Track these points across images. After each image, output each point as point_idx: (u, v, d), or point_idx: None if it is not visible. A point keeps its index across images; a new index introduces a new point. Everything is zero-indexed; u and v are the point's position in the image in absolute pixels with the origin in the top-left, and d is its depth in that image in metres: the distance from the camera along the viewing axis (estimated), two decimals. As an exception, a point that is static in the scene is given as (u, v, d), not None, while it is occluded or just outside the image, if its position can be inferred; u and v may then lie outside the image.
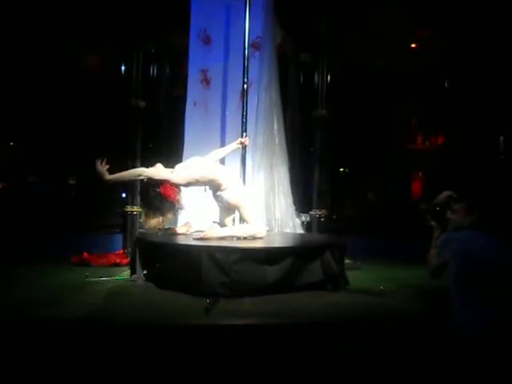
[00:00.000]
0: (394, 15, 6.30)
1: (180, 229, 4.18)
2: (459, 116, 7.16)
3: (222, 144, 5.00)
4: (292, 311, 2.94)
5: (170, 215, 3.91)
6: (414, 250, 5.34)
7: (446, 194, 2.67)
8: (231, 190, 3.92)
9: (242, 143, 4.41)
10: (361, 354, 2.55)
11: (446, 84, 7.69)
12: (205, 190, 4.01)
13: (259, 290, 3.24)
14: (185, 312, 2.86)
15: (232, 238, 3.86)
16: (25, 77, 6.10)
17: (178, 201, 3.83)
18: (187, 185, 3.83)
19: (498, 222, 2.45)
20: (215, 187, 3.93)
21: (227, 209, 4.08)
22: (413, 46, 7.29)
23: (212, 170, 3.91)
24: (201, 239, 3.75)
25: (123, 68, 5.82)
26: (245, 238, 3.85)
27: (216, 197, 4.00)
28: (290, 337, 2.58)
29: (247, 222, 4.00)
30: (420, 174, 8.69)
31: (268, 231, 5.01)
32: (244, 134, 4.50)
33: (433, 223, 2.74)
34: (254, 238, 3.88)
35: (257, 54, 5.22)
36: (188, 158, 5.19)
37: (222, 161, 5.02)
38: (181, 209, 3.92)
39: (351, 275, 3.87)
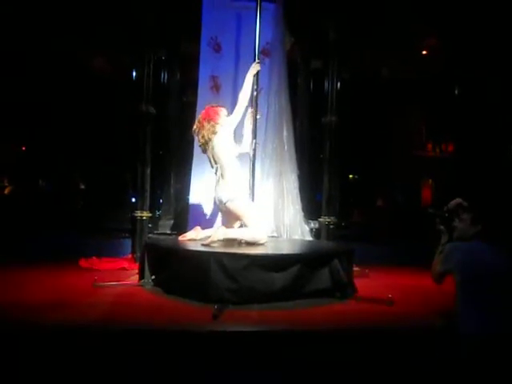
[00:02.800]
0: (403, 22, 6.30)
1: (189, 234, 4.20)
2: (469, 123, 7.12)
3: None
4: (300, 319, 2.94)
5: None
6: (423, 257, 5.34)
7: (456, 201, 2.69)
8: (235, 201, 3.95)
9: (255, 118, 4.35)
10: (369, 362, 2.54)
11: (456, 91, 7.66)
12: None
13: (267, 296, 3.24)
14: (192, 318, 2.87)
15: (236, 240, 3.92)
16: (37, 82, 6.18)
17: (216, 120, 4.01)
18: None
19: (502, 235, 2.53)
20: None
21: (230, 215, 4.12)
22: (423, 52, 7.27)
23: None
24: (208, 245, 3.76)
25: (134, 74, 5.87)
26: (247, 243, 3.89)
27: (219, 203, 4.04)
28: (297, 344, 2.57)
29: (247, 224, 4.02)
30: (430, 181, 8.64)
31: (276, 238, 5.04)
32: (254, 141, 4.49)
33: (441, 227, 2.75)
34: (256, 244, 3.90)
35: (266, 60, 5.24)
36: (198, 164, 5.25)
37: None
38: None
39: (359, 283, 3.85)
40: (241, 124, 4.33)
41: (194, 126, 4.13)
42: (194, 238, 4.13)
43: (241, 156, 4.31)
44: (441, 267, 2.54)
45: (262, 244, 3.95)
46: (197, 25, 5.40)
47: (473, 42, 6.49)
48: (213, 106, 4.18)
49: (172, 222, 5.61)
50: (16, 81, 6.10)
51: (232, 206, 3.98)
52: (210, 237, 3.86)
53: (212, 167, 4.09)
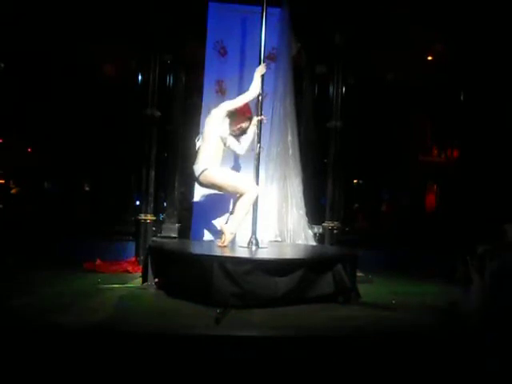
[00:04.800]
0: (409, 27, 6.29)
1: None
2: (475, 129, 7.10)
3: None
4: (303, 324, 2.93)
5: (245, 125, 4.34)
6: (427, 263, 5.32)
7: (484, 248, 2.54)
8: (207, 171, 4.03)
9: (259, 120, 4.38)
10: (372, 367, 2.53)
11: (462, 96, 7.64)
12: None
13: (270, 301, 3.23)
14: (195, 322, 2.86)
15: (243, 218, 4.06)
16: (43, 84, 6.21)
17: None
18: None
19: None
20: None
21: (212, 188, 4.26)
22: (429, 58, 7.27)
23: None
24: (225, 246, 3.93)
25: (140, 78, 5.90)
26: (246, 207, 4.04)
27: (196, 180, 4.20)
28: (300, 349, 2.56)
29: (240, 193, 4.09)
30: (435, 186, 8.60)
31: (280, 242, 5.03)
32: (258, 145, 4.49)
33: (475, 276, 2.54)
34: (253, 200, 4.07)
35: (272, 65, 5.26)
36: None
37: (237, 168, 5.06)
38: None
39: (363, 289, 3.84)
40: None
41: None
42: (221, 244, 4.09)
43: (232, 153, 4.55)
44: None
45: (256, 196, 4.09)
46: (202, 29, 5.43)
47: (479, 47, 6.47)
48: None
49: (176, 225, 5.61)
50: (22, 83, 6.14)
51: (205, 177, 4.03)
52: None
53: (197, 140, 4.29)
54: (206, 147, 4.10)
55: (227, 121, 4.24)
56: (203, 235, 5.10)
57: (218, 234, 4.21)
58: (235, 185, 4.08)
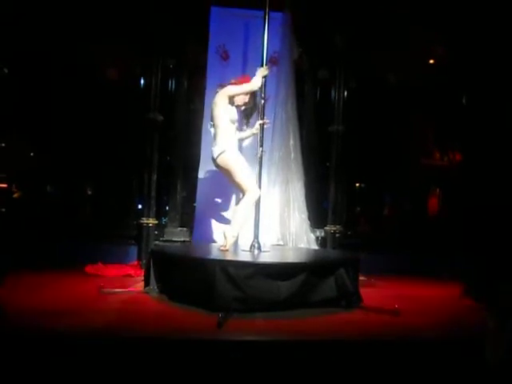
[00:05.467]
0: (410, 29, 6.30)
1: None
2: (478, 132, 7.09)
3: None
4: (305, 328, 2.92)
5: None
6: (430, 267, 5.31)
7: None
8: (224, 153, 4.10)
9: (261, 124, 4.42)
10: (374, 373, 2.52)
11: (464, 99, 7.64)
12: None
13: (272, 305, 3.23)
14: (197, 326, 2.86)
15: (244, 221, 4.11)
16: (46, 88, 6.23)
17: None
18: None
19: None
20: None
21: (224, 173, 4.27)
22: (431, 61, 7.28)
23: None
24: (227, 249, 3.94)
25: (142, 82, 5.92)
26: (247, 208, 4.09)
27: (214, 162, 4.24)
28: (302, 354, 2.56)
29: (242, 190, 4.13)
30: (437, 190, 8.58)
31: (282, 246, 5.03)
32: (261, 149, 4.48)
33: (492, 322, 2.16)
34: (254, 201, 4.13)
35: (274, 69, 5.27)
36: (204, 171, 5.28)
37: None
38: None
39: (365, 292, 3.83)
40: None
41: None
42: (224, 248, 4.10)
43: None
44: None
45: (257, 198, 4.11)
46: (205, 33, 5.45)
47: (481, 48, 6.47)
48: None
49: (178, 229, 5.62)
50: (24, 87, 6.16)
51: (222, 159, 4.11)
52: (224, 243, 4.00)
53: (210, 127, 4.36)
54: (220, 132, 4.19)
55: (233, 103, 4.31)
56: (205, 239, 5.10)
57: (220, 237, 4.21)
58: (243, 178, 4.11)
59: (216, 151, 4.15)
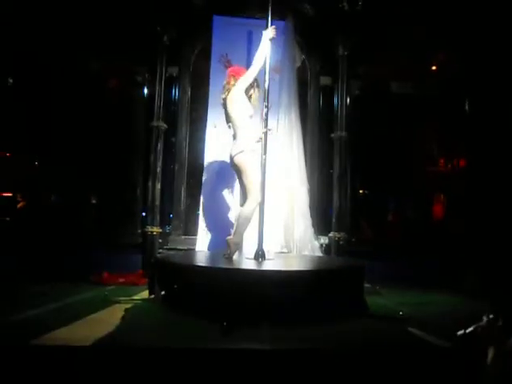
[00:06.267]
0: (413, 37, 6.32)
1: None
2: (482, 138, 7.08)
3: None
4: (309, 336, 2.90)
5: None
6: (435, 274, 5.28)
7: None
8: (242, 154, 4.06)
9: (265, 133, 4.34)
10: (379, 380, 2.50)
11: (467, 106, 7.63)
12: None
13: (277, 313, 3.21)
14: (201, 335, 2.85)
15: (246, 228, 4.07)
16: (49, 97, 6.27)
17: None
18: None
19: None
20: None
21: (238, 173, 4.23)
22: (433, 68, 7.29)
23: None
24: (231, 257, 3.97)
25: (146, 91, 5.96)
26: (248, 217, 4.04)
27: (231, 161, 4.19)
28: (307, 362, 2.54)
29: (248, 194, 4.07)
30: (442, 196, 8.56)
31: (286, 253, 5.02)
32: (264, 156, 4.48)
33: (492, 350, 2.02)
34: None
35: (277, 77, 5.29)
36: (207, 179, 5.29)
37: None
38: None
39: (370, 300, 3.82)
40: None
41: (224, 81, 4.32)
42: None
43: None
44: None
45: (256, 207, 4.06)
46: (208, 42, 5.49)
47: (484, 55, 6.48)
48: (242, 67, 4.45)
49: (182, 237, 5.62)
50: (28, 97, 6.21)
51: (239, 158, 4.08)
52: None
53: (227, 124, 4.30)
54: (239, 131, 4.15)
55: (249, 95, 4.28)
56: (209, 247, 5.10)
57: (223, 245, 4.21)
58: (253, 182, 4.06)
59: (235, 150, 4.12)
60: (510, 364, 1.94)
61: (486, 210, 6.21)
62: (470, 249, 5.58)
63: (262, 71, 4.29)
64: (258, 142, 4.32)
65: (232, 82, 4.21)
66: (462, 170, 7.98)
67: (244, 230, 4.08)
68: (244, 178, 4.10)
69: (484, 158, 6.91)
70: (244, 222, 4.04)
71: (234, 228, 4.10)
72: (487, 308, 2.08)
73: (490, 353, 2.01)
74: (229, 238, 4.05)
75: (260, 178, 4.12)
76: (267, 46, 4.25)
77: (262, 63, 4.22)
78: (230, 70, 4.40)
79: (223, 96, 4.26)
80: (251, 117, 4.24)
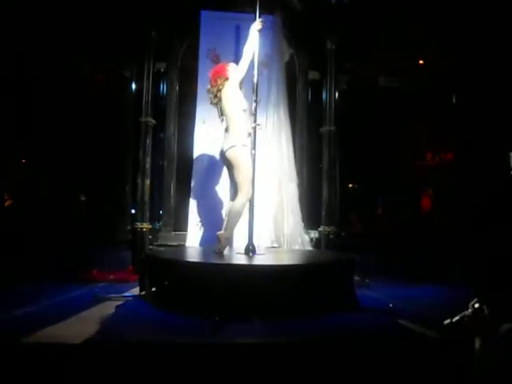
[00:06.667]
0: (401, 32, 6.34)
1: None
2: (469, 132, 7.15)
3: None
4: (300, 330, 2.92)
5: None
6: (423, 266, 5.34)
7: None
8: (234, 148, 4.04)
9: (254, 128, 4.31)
10: (371, 373, 2.52)
11: (454, 99, 7.70)
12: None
13: (268, 307, 3.22)
14: (193, 330, 2.85)
15: (236, 223, 4.06)
16: (36, 94, 6.21)
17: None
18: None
19: None
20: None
21: (229, 168, 4.20)
22: (420, 62, 7.34)
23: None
24: (221, 252, 3.95)
25: (134, 86, 5.91)
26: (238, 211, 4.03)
27: (222, 156, 4.17)
28: (299, 356, 2.56)
29: (239, 189, 4.06)
30: (429, 190, 8.64)
31: (277, 248, 5.04)
32: (253, 152, 4.47)
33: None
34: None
35: (265, 71, 5.28)
36: (197, 174, 5.28)
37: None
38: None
39: (360, 293, 3.84)
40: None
41: (208, 85, 4.29)
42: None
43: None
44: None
45: (247, 202, 4.04)
46: (195, 37, 5.45)
47: (471, 50, 6.54)
48: (221, 63, 4.47)
49: (172, 233, 5.61)
50: (15, 94, 6.13)
51: (230, 153, 4.06)
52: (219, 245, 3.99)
53: (219, 117, 4.27)
54: (232, 124, 4.13)
55: (238, 90, 4.25)
56: (200, 243, 5.10)
57: (214, 241, 4.21)
58: (245, 178, 4.03)
59: (226, 144, 4.09)
60: (497, 353, 1.92)
61: (473, 203, 6.28)
62: (455, 241, 5.64)
63: (251, 66, 4.29)
64: (248, 137, 4.30)
65: (219, 82, 4.18)
66: (450, 163, 8.06)
67: (234, 225, 4.08)
68: (235, 173, 4.09)
69: (472, 152, 6.98)
70: (235, 217, 4.03)
71: (225, 223, 4.10)
72: (472, 297, 2.09)
73: (477, 342, 1.99)
74: (219, 233, 4.05)
75: (251, 173, 4.10)
76: (256, 38, 4.25)
77: (252, 55, 4.22)
78: (211, 72, 4.34)
79: (212, 96, 4.24)
80: (245, 111, 4.23)
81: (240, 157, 4.06)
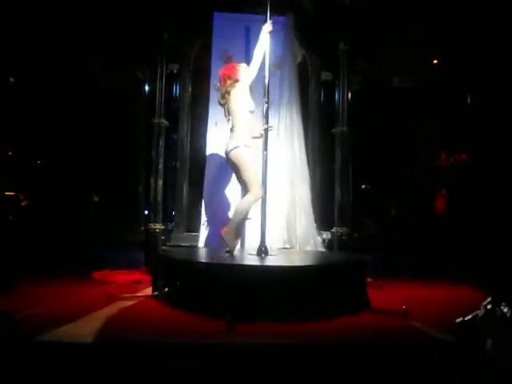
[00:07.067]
0: (414, 31, 6.30)
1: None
2: (483, 132, 7.07)
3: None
4: (312, 331, 2.91)
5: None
6: (437, 268, 5.29)
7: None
8: (237, 149, 4.05)
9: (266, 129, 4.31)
10: (382, 376, 2.51)
11: (468, 100, 7.62)
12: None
13: (280, 308, 3.22)
14: (205, 331, 2.86)
15: (240, 221, 4.07)
16: (50, 96, 6.28)
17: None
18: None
19: None
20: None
21: (233, 169, 4.21)
22: (434, 61, 7.27)
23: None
24: (232, 252, 3.97)
25: (147, 88, 5.96)
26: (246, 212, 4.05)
27: (226, 156, 4.18)
28: (310, 357, 2.55)
29: (247, 188, 4.06)
30: (444, 191, 8.56)
31: (289, 249, 5.03)
32: (265, 153, 4.47)
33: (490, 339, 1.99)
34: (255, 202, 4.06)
35: (277, 72, 5.28)
36: (209, 175, 5.29)
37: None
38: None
39: (373, 295, 3.82)
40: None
41: (217, 84, 4.32)
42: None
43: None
44: None
45: (256, 201, 4.04)
46: (208, 38, 5.48)
47: (484, 49, 6.46)
48: (232, 63, 4.48)
49: (185, 234, 5.63)
50: (31, 96, 6.21)
51: (234, 154, 4.06)
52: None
53: (225, 117, 4.28)
54: (238, 125, 4.15)
55: (248, 91, 4.27)
56: (212, 243, 5.11)
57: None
58: (251, 176, 4.04)
59: (230, 145, 4.10)
60: (508, 354, 1.92)
61: (486, 203, 6.20)
62: (469, 241, 5.58)
63: (262, 67, 4.29)
64: (259, 138, 4.30)
65: (228, 83, 4.20)
66: (464, 164, 7.97)
67: (237, 223, 4.06)
68: (241, 174, 4.10)
69: (485, 152, 6.90)
70: (239, 214, 4.03)
71: (230, 220, 4.11)
72: (485, 297, 2.08)
73: (489, 343, 2.00)
74: (223, 232, 4.05)
75: (258, 172, 4.10)
76: (266, 39, 4.26)
77: (262, 56, 4.23)
78: (221, 71, 4.38)
79: (221, 96, 4.27)
80: (252, 112, 4.23)
81: (243, 157, 4.06)
